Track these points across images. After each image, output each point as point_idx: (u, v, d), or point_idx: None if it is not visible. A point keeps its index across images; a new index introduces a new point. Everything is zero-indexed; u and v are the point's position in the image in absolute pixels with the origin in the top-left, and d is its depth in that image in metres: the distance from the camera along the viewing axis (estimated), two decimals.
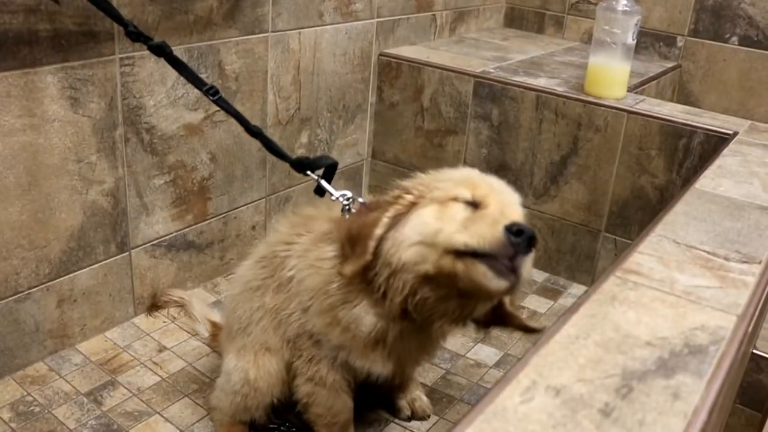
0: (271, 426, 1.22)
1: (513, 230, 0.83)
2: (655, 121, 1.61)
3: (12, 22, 1.11)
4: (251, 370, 1.12)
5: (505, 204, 0.91)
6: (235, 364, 1.14)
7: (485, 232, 0.84)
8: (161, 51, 1.15)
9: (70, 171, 1.27)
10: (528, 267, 0.86)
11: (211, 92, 1.18)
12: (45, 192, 1.24)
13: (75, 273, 1.34)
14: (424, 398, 1.31)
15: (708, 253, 0.99)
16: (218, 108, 1.50)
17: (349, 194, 1.10)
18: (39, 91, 1.18)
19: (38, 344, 1.33)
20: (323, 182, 1.14)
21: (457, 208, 0.90)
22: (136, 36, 1.14)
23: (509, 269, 0.83)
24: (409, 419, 1.29)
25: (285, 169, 1.73)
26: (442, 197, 0.92)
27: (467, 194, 0.91)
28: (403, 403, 1.29)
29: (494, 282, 0.84)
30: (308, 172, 1.17)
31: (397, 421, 1.28)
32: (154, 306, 1.52)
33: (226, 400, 1.17)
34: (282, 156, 1.20)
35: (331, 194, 1.12)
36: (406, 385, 1.28)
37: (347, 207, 1.09)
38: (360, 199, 1.09)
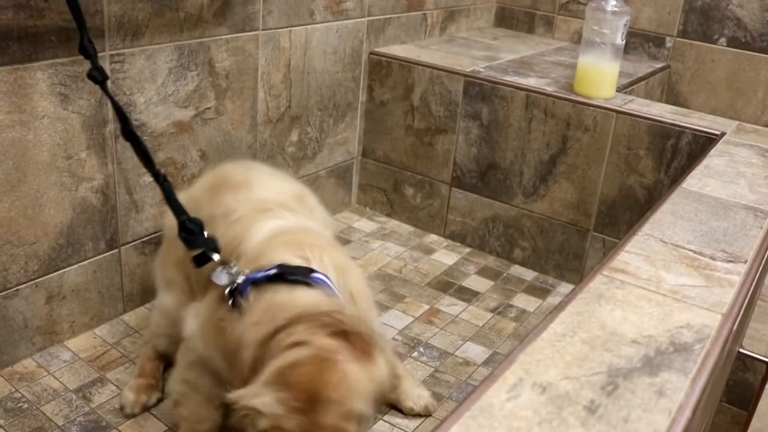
0: None
1: None
2: (643, 121, 1.62)
3: (1, 18, 1.11)
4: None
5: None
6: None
7: None
8: (95, 79, 1.10)
9: (59, 167, 1.26)
10: None
11: (127, 131, 1.10)
12: (34, 188, 1.24)
13: (64, 270, 1.34)
14: (427, 395, 1.31)
15: (694, 252, 1.00)
16: (209, 106, 1.52)
17: (235, 272, 0.97)
18: (28, 87, 1.18)
19: (27, 341, 1.32)
20: (215, 256, 1.01)
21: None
22: (86, 52, 1.09)
23: None
24: (418, 415, 1.30)
25: (274, 167, 1.74)
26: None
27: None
28: (409, 403, 1.29)
29: None
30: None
31: (385, 419, 1.29)
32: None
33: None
34: (177, 212, 1.06)
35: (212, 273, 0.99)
36: (396, 388, 1.29)
37: (231, 292, 0.95)
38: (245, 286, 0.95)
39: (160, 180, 1.08)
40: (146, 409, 1.24)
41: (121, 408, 1.23)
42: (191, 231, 1.03)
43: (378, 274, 1.75)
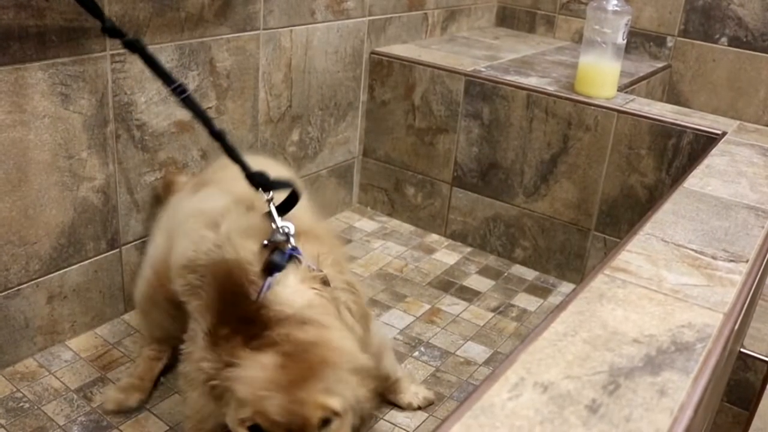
0: None
1: None
2: (644, 120, 1.62)
3: (2, 17, 1.11)
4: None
5: None
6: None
7: None
8: (133, 47, 1.10)
9: (60, 167, 1.26)
10: None
11: (178, 90, 1.11)
12: (35, 188, 1.24)
13: (65, 269, 1.34)
14: (422, 388, 1.32)
15: (696, 251, 1.00)
16: (210, 105, 1.51)
17: (291, 229, 0.99)
18: (29, 87, 1.18)
19: (28, 340, 1.32)
20: (273, 209, 1.01)
21: None
22: (112, 33, 1.11)
23: None
24: (418, 409, 1.30)
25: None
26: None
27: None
28: (407, 399, 1.30)
29: None
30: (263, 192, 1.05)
31: (386, 418, 1.29)
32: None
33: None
34: (241, 164, 1.08)
35: (274, 222, 1.00)
36: (393, 388, 1.29)
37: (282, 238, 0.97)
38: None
39: (223, 139, 1.09)
40: (122, 408, 1.23)
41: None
42: (261, 179, 1.04)
43: (379, 273, 1.75)
